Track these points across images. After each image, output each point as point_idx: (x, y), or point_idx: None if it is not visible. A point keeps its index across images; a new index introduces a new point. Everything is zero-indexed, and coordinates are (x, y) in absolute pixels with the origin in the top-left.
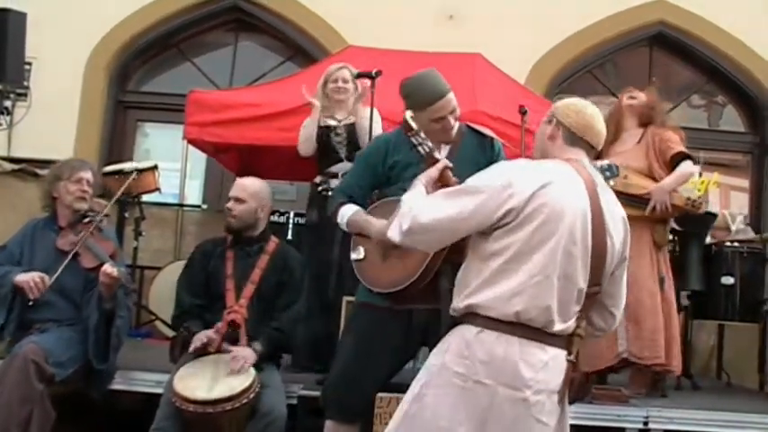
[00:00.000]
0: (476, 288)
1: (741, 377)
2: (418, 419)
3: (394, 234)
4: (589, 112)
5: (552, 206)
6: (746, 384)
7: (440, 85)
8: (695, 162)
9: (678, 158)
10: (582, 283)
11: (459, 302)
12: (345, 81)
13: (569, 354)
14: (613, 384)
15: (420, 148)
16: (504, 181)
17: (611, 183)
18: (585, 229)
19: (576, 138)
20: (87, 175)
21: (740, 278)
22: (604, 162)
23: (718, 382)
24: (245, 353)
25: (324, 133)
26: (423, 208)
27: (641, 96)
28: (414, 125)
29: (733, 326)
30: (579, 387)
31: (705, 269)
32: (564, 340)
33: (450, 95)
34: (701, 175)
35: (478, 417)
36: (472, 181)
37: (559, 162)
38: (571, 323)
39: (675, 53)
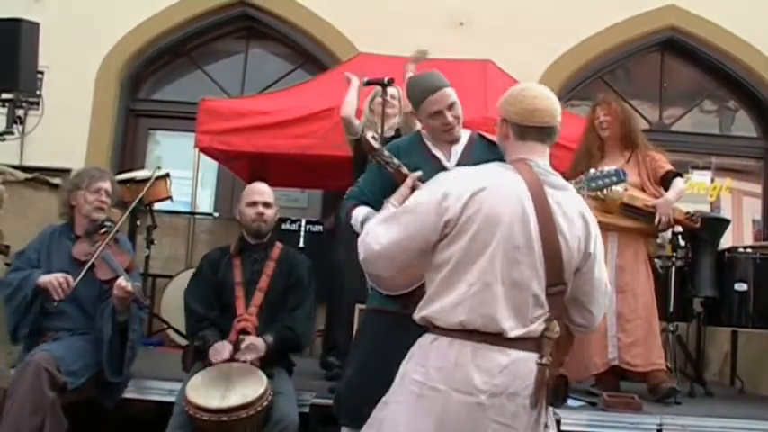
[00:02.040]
0: (426, 300)
1: (755, 384)
2: (383, 425)
3: (362, 265)
4: (529, 96)
5: (486, 213)
6: (760, 391)
7: (435, 80)
8: (685, 179)
9: (669, 176)
10: (536, 286)
11: (416, 314)
12: (393, 98)
13: (540, 356)
14: (626, 392)
15: (387, 167)
16: (441, 194)
17: (618, 188)
18: (528, 232)
19: (523, 128)
20: (106, 185)
21: (753, 284)
22: (611, 167)
23: (731, 388)
24: (257, 342)
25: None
26: (372, 236)
27: (606, 119)
28: (375, 145)
29: (746, 332)
30: (556, 389)
31: (718, 275)
32: (531, 343)
33: (447, 90)
34: (712, 180)
35: (435, 423)
36: (413, 198)
37: (501, 165)
38: (535, 326)
39: (686, 58)
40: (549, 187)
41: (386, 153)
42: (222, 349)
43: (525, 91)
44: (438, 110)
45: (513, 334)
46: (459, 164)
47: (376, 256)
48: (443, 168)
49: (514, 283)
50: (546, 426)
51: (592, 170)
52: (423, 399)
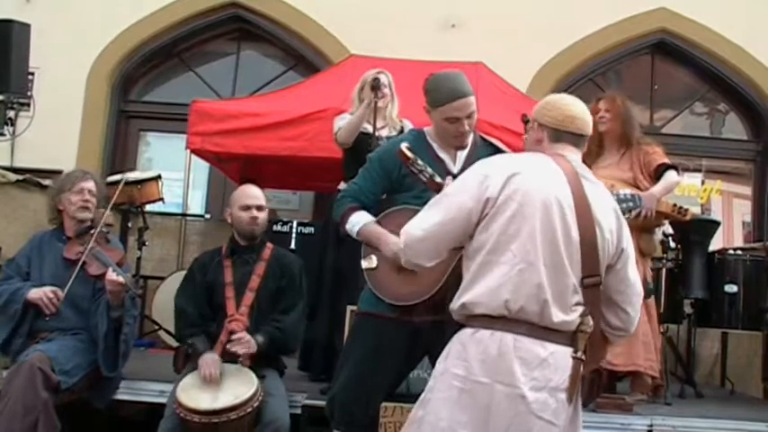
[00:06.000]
0: (465, 286)
1: (745, 385)
2: (424, 424)
3: (401, 257)
4: (566, 104)
5: (524, 193)
6: (750, 392)
7: (461, 86)
8: (678, 171)
9: (662, 169)
10: (571, 273)
11: (454, 304)
12: (384, 86)
13: (575, 351)
14: (620, 393)
15: (421, 176)
16: (480, 175)
17: (632, 214)
18: (565, 217)
19: (559, 133)
20: (89, 184)
21: (743, 286)
22: (627, 192)
23: (721, 390)
24: (249, 337)
25: (364, 141)
26: (414, 222)
27: (607, 115)
28: (410, 154)
29: (736, 334)
30: (591, 385)
31: (708, 277)
32: (567, 336)
33: (470, 99)
34: (703, 183)
35: (480, 417)
36: (453, 184)
37: (537, 155)
38: (573, 317)
39: (677, 61)
40: (585, 179)
41: (419, 162)
42: (213, 366)
43: (563, 100)
44: (457, 116)
45: (555, 319)
46: (464, 168)
47: (419, 241)
48: (449, 172)
49: (555, 266)
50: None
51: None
52: (466, 393)
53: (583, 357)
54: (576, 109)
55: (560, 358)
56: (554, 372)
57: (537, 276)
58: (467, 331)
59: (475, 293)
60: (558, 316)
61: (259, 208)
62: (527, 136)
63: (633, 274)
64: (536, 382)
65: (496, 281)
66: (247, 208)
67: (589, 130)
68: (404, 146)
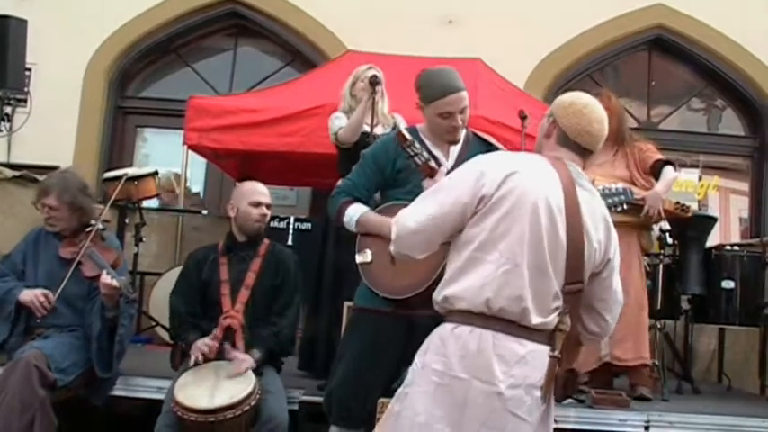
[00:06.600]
0: (449, 278)
1: (742, 381)
2: (401, 418)
3: (392, 247)
4: (588, 116)
5: (518, 193)
6: (747, 388)
7: (454, 81)
8: (675, 166)
9: (659, 165)
10: (554, 278)
11: (436, 294)
12: (382, 82)
13: (552, 349)
14: (618, 389)
15: (416, 159)
16: (477, 172)
17: (625, 207)
18: (554, 221)
19: (568, 140)
20: (48, 200)
21: (740, 282)
22: (619, 185)
23: (718, 386)
24: (246, 358)
25: (360, 139)
26: (406, 214)
27: (606, 113)
28: (408, 136)
29: (733, 330)
30: (565, 384)
31: (705, 273)
32: (545, 335)
33: (463, 94)
34: (700, 179)
35: (456, 412)
36: (449, 177)
37: (537, 156)
38: (552, 318)
39: (674, 57)
40: (580, 187)
41: (416, 145)
42: (203, 345)
43: (587, 108)
44: (450, 111)
45: (534, 321)
46: (456, 163)
47: (411, 234)
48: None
49: (539, 269)
50: (555, 420)
51: (600, 186)
52: (444, 388)
53: (559, 356)
54: (595, 124)
55: (538, 356)
56: (532, 369)
57: (521, 280)
58: (447, 326)
59: (459, 288)
60: (537, 319)
61: (268, 206)
62: (542, 122)
63: (617, 284)
64: (514, 380)
65: (481, 279)
66: (258, 204)
67: (598, 147)
68: (403, 128)
